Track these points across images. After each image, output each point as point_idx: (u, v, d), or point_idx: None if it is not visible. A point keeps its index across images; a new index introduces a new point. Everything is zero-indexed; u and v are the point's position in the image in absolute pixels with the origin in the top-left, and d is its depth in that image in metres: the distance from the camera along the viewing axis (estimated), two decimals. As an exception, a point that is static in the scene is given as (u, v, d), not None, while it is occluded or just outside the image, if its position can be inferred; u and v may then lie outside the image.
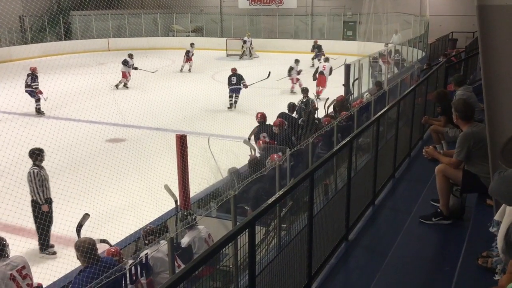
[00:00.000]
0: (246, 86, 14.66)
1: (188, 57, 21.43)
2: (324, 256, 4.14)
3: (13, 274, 4.41)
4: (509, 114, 3.12)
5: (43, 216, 6.54)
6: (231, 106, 14.73)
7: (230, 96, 14.76)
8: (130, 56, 18.00)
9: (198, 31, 30.50)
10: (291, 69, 16.76)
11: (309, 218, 3.72)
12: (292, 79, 16.66)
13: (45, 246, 6.69)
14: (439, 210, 4.60)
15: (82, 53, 23.32)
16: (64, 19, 27.26)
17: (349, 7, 28.09)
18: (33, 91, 13.83)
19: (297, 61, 16.90)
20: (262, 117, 8.70)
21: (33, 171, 6.55)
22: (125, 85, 17.70)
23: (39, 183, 6.53)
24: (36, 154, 6.63)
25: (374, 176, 5.37)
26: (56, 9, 27.28)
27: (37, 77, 13.99)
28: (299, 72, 16.70)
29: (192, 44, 21.84)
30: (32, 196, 6.61)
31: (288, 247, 3.99)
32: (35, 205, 6.60)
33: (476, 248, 3.73)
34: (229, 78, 14.86)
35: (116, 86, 17.38)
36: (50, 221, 6.69)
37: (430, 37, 22.13)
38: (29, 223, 6.70)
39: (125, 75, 17.67)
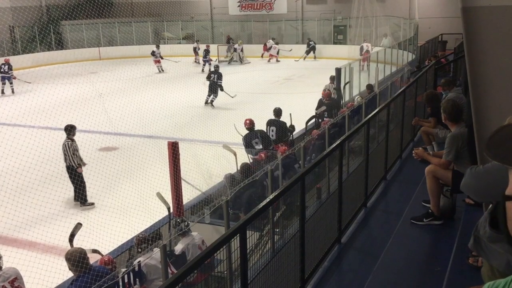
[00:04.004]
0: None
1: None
2: (317, 259, 4.15)
3: (5, 285, 4.37)
4: (495, 113, 3.15)
5: (78, 178, 8.04)
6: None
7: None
8: (157, 47, 22.71)
9: (189, 38, 30.49)
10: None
11: (300, 222, 3.73)
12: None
13: (84, 200, 8.04)
14: (430, 210, 4.64)
15: (74, 63, 23.23)
16: (54, 29, 27.17)
17: (339, 11, 28.19)
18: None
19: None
20: (250, 123, 8.70)
21: (67, 143, 8.07)
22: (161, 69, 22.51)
23: (72, 152, 8.02)
24: (69, 130, 8.17)
25: (366, 179, 5.40)
26: (46, 19, 27.22)
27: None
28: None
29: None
30: (68, 163, 8.06)
31: (281, 251, 3.99)
32: (71, 170, 8.10)
33: (467, 247, 3.76)
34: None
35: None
36: (83, 180, 8.10)
37: (420, 39, 22.27)
38: (20, 233, 6.66)
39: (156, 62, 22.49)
